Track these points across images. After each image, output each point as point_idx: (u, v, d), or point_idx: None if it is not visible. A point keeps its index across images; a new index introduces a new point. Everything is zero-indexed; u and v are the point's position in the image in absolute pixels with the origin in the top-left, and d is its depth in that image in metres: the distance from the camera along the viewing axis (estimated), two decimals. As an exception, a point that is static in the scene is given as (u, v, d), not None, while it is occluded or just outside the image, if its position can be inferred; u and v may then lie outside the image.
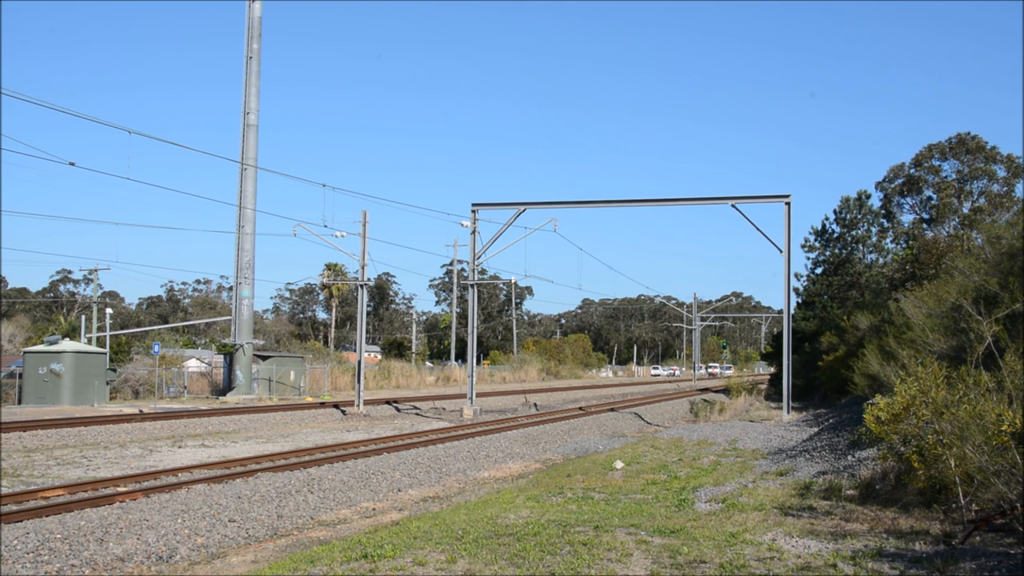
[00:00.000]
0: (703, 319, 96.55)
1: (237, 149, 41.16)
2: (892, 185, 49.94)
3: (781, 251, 31.81)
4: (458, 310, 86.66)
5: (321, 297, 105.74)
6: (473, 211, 34.93)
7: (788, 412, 31.25)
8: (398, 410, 37.48)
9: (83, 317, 48.55)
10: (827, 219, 55.53)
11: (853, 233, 50.95)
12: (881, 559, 8.54)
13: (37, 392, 34.67)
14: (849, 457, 15.15)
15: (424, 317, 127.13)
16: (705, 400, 45.18)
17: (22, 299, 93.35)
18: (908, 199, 49.47)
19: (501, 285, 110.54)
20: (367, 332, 72.39)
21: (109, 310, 48.00)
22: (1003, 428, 8.97)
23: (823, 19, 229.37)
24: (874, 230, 51.15)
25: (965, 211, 44.82)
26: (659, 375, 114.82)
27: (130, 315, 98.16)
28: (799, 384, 42.65)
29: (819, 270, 53.44)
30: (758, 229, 32.55)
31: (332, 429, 28.55)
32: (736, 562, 8.46)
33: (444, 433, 25.85)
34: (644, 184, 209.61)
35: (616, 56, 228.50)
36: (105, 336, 44.13)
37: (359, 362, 37.98)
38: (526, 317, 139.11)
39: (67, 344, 35.88)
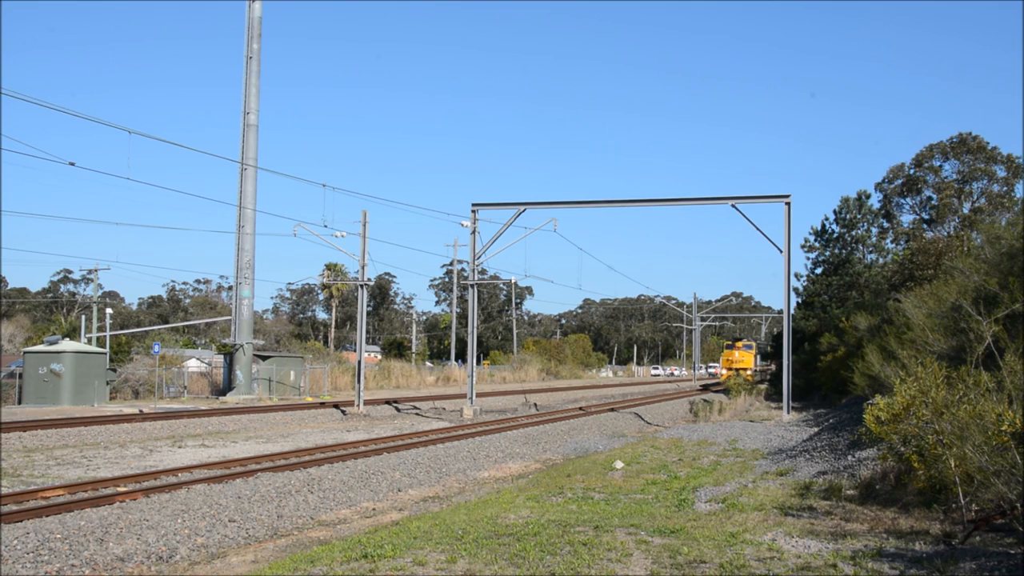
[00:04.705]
0: (703, 319, 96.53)
1: (237, 149, 41.21)
2: (892, 185, 50.02)
3: (781, 251, 31.82)
4: (458, 310, 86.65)
5: (321, 297, 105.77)
6: (473, 211, 34.94)
7: (788, 412, 31.26)
8: (398, 410, 37.49)
9: (83, 317, 48.52)
10: (827, 219, 55.64)
11: (853, 233, 51.00)
12: (881, 559, 8.54)
13: (37, 392, 34.67)
14: (849, 457, 15.15)
15: (424, 317, 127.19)
16: (705, 400, 45.17)
17: (22, 299, 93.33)
18: (908, 199, 49.53)
19: (501, 285, 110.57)
20: (367, 332, 72.28)
21: (109, 310, 48.00)
22: (1003, 428, 8.97)
23: (823, 19, 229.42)
24: (874, 230, 51.25)
25: (965, 211, 44.85)
26: (659, 375, 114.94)
27: (130, 315, 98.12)
28: (799, 384, 42.65)
29: (819, 270, 53.53)
30: (758, 229, 32.60)
31: (332, 429, 28.55)
32: (736, 562, 8.47)
33: (444, 433, 25.84)
34: (644, 184, 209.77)
35: (616, 56, 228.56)
36: (105, 336, 44.12)
37: (359, 362, 37.98)
38: (526, 317, 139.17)
39: (67, 344, 35.86)
